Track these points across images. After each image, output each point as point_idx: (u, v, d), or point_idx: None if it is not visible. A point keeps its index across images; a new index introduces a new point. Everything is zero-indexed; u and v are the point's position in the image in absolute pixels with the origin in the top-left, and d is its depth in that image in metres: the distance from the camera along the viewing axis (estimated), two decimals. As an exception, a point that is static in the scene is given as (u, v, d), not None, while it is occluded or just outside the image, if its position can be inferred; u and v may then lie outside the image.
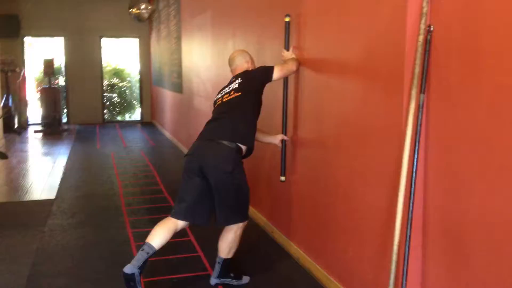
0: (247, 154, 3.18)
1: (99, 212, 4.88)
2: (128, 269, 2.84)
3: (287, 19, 3.51)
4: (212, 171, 2.99)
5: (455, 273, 2.14)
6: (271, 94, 3.68)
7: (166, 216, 3.13)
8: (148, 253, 2.90)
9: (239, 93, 3.16)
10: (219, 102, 3.26)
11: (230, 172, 2.98)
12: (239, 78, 3.28)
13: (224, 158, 3.00)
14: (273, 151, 3.97)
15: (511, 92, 1.82)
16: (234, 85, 3.24)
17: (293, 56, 3.48)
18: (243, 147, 3.09)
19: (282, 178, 3.64)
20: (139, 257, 2.88)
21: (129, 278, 2.82)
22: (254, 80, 3.28)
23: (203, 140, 3.11)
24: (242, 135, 3.09)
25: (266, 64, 3.46)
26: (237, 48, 4.32)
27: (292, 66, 3.41)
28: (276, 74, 3.31)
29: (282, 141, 3.60)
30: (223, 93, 3.28)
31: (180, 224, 3.07)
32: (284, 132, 3.60)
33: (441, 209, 2.21)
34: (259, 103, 3.28)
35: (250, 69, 3.41)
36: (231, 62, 3.48)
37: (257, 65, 3.53)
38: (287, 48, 3.53)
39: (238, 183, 3.05)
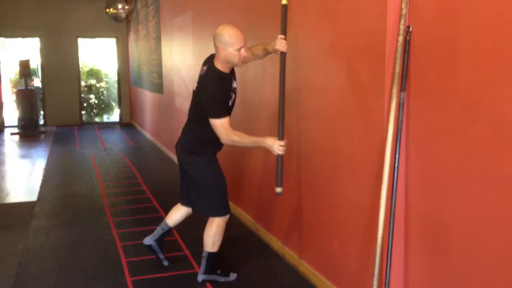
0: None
1: (82, 213, 4.87)
2: (145, 241, 3.48)
3: (284, 1, 3.11)
4: (179, 161, 3.29)
5: (435, 264, 2.25)
6: (254, 94, 3.73)
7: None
8: (163, 229, 3.45)
9: (194, 100, 3.17)
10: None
11: (190, 163, 3.19)
12: (198, 81, 3.15)
13: (186, 150, 3.21)
14: (257, 151, 4.04)
15: (485, 89, 1.93)
16: (196, 83, 3.16)
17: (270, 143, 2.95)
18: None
19: (278, 189, 2.97)
20: (156, 232, 3.47)
21: (148, 247, 3.48)
22: (200, 98, 3.05)
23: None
24: (197, 148, 3.18)
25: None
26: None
27: (246, 140, 3.01)
28: (221, 131, 2.94)
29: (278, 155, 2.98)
30: (195, 84, 3.19)
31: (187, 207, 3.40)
32: (280, 136, 3.00)
33: (422, 203, 2.31)
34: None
35: (217, 64, 3.04)
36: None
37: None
38: (284, 33, 3.07)
39: (200, 174, 3.17)
